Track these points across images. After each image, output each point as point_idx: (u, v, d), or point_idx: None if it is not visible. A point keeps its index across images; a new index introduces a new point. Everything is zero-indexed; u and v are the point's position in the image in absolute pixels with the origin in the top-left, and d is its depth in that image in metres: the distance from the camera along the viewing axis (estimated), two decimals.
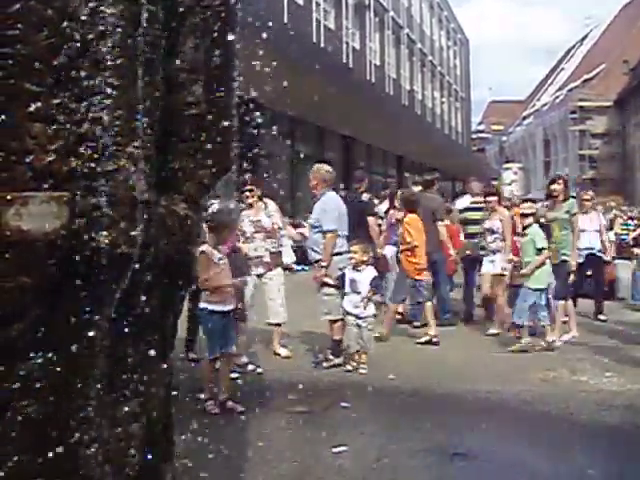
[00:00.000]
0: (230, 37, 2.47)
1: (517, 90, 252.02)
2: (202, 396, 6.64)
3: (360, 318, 8.28)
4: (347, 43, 30.56)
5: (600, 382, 7.86)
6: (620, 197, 33.63)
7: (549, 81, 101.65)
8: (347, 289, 8.39)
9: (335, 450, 5.45)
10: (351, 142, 30.81)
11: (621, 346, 9.90)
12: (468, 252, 12.07)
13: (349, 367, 8.22)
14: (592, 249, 11.99)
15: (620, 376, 8.09)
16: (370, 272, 8.44)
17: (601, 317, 12.08)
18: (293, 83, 19.72)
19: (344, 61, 29.71)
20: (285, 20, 23.10)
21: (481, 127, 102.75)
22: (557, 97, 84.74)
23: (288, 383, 7.38)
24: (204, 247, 6.70)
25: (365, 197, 12.46)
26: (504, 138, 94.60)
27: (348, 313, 8.40)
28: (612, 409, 6.78)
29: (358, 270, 8.34)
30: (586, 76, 78.50)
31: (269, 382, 7.39)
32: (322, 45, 26.85)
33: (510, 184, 76.81)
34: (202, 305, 6.74)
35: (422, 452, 5.54)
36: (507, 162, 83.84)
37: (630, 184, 58.98)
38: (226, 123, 2.41)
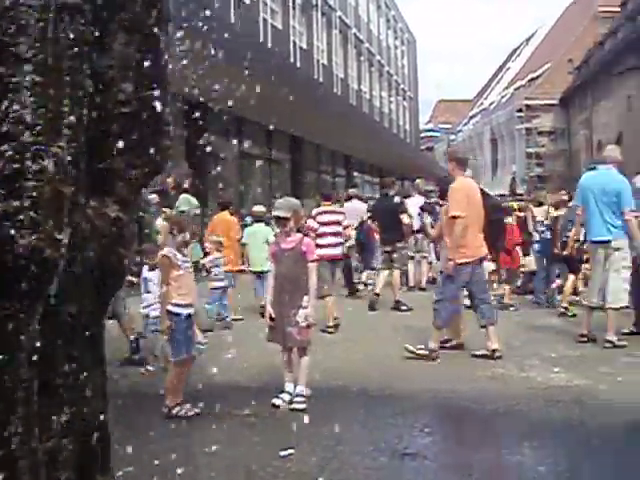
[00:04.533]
0: (162, 33, 2.39)
1: (465, 89, 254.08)
2: (167, 402, 6.52)
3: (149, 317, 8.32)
4: (294, 42, 30.51)
5: (548, 378, 7.90)
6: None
7: (496, 80, 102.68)
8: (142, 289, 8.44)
9: (283, 453, 5.37)
10: (300, 142, 30.77)
11: (568, 341, 9.98)
12: None
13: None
14: None
15: (568, 371, 8.15)
16: None
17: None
18: (239, 83, 19.65)
19: (292, 60, 29.64)
20: (232, 20, 22.95)
21: (429, 126, 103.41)
22: (504, 96, 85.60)
23: (232, 385, 7.28)
24: (166, 250, 6.65)
25: (397, 199, 14.10)
26: (452, 137, 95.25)
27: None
28: (559, 405, 6.80)
29: (152, 269, 8.20)
30: (532, 75, 79.41)
31: (214, 384, 7.26)
32: (269, 45, 26.74)
33: None
34: (167, 307, 6.62)
35: (372, 452, 5.49)
36: None
37: (576, 181, 59.59)
38: (158, 122, 2.33)
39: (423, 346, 8.97)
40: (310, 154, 33.16)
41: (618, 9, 64.44)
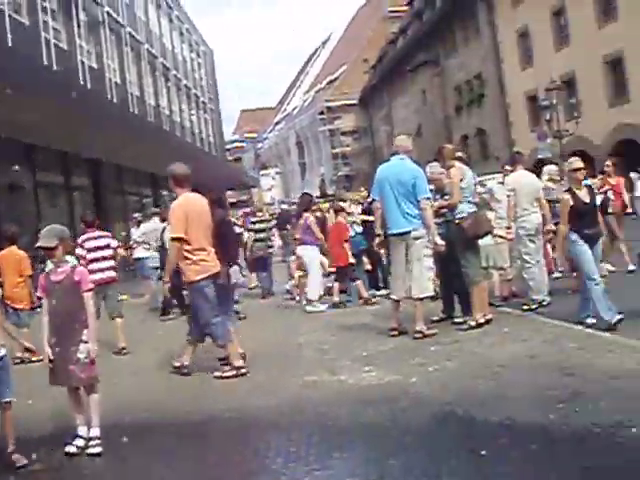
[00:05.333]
0: None
1: (268, 97, 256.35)
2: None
3: None
4: (83, 62, 29.33)
5: (360, 378, 7.67)
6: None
7: (297, 85, 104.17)
8: None
9: None
10: (99, 165, 29.68)
11: (380, 337, 9.86)
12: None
13: None
14: None
15: (379, 368, 7.97)
16: None
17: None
18: (26, 109, 18.63)
19: (81, 81, 28.47)
20: (9, 43, 21.69)
21: (235, 137, 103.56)
22: (305, 100, 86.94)
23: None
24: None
25: None
26: (259, 145, 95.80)
27: None
28: (371, 406, 6.57)
29: None
30: (330, 77, 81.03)
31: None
32: (55, 67, 25.53)
33: (270, 189, 78.01)
34: None
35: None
36: (264, 168, 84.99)
37: None
38: None
39: (228, 368, 8.60)
40: (112, 176, 32.06)
41: (406, 8, 66.82)
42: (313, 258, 14.16)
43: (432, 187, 10.20)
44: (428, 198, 9.71)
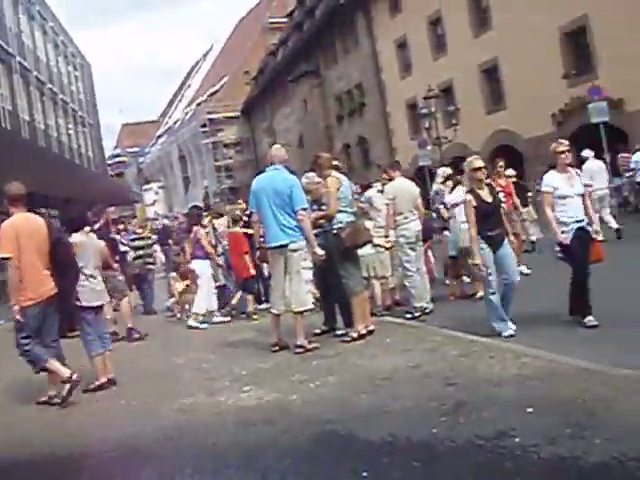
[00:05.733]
0: None
1: (151, 110, 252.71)
2: None
3: None
4: None
5: (239, 399, 7.35)
6: None
7: (179, 98, 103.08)
8: None
9: None
10: None
11: (261, 353, 9.57)
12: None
13: None
14: None
15: (259, 387, 7.66)
16: None
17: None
18: None
19: None
20: None
21: (117, 151, 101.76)
22: (187, 113, 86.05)
23: None
24: None
25: None
26: (141, 159, 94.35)
27: None
28: (250, 428, 6.26)
29: None
30: (212, 89, 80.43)
31: None
32: None
33: (153, 204, 76.85)
34: None
35: None
36: (147, 183, 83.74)
37: None
38: None
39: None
40: None
41: (286, 19, 66.93)
42: (203, 272, 13.82)
43: (309, 197, 9.96)
44: (305, 209, 9.46)
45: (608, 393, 5.88)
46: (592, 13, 27.60)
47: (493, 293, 9.21)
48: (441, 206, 13.41)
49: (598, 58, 27.94)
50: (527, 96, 31.00)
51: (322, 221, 9.96)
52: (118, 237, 16.48)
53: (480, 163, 9.54)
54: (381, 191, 12.34)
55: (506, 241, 9.48)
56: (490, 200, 9.41)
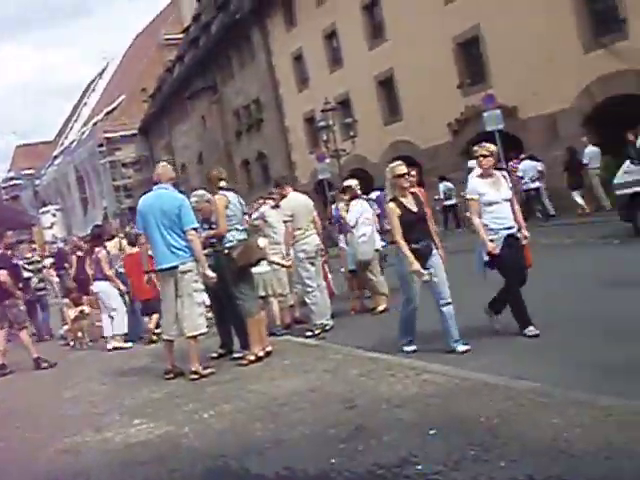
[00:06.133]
0: None
1: (47, 131, 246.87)
2: None
3: None
4: None
5: (128, 434, 6.87)
6: None
7: (75, 117, 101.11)
8: None
9: None
10: None
11: (156, 381, 9.10)
12: None
13: None
14: None
15: (150, 420, 7.20)
16: None
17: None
18: None
19: None
20: None
21: (11, 174, 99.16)
22: (83, 132, 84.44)
23: None
24: None
25: None
26: (37, 181, 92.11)
27: None
28: (138, 467, 5.82)
29: None
30: (108, 108, 79.16)
31: None
32: None
33: (51, 227, 74.96)
34: None
35: None
36: (44, 205, 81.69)
37: None
38: None
39: None
40: None
41: (182, 36, 66.32)
42: (109, 293, 13.34)
43: (200, 216, 9.54)
44: (195, 228, 9.04)
45: (511, 409, 5.66)
46: (484, 23, 27.89)
47: (415, 309, 8.69)
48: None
49: (491, 67, 28.28)
50: (423, 106, 31.22)
51: (213, 240, 9.56)
52: (21, 262, 15.74)
53: (404, 169, 8.74)
54: (275, 206, 11.97)
55: (436, 254, 8.71)
56: (415, 209, 8.68)
